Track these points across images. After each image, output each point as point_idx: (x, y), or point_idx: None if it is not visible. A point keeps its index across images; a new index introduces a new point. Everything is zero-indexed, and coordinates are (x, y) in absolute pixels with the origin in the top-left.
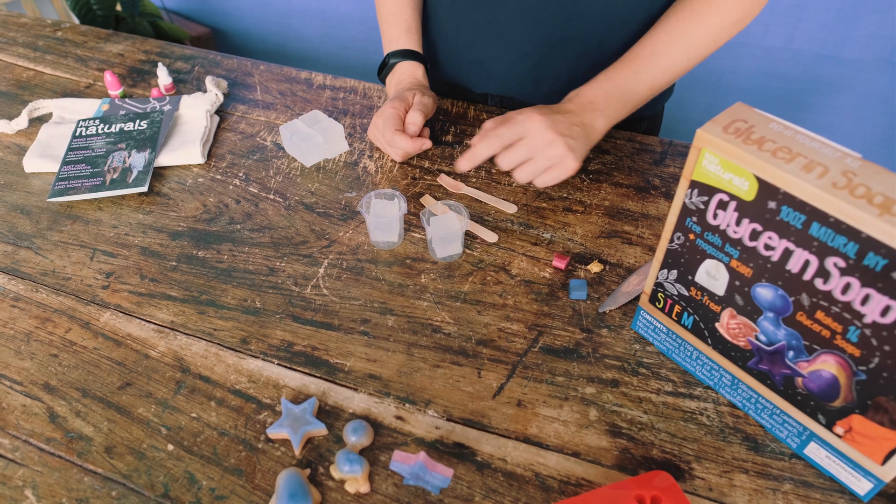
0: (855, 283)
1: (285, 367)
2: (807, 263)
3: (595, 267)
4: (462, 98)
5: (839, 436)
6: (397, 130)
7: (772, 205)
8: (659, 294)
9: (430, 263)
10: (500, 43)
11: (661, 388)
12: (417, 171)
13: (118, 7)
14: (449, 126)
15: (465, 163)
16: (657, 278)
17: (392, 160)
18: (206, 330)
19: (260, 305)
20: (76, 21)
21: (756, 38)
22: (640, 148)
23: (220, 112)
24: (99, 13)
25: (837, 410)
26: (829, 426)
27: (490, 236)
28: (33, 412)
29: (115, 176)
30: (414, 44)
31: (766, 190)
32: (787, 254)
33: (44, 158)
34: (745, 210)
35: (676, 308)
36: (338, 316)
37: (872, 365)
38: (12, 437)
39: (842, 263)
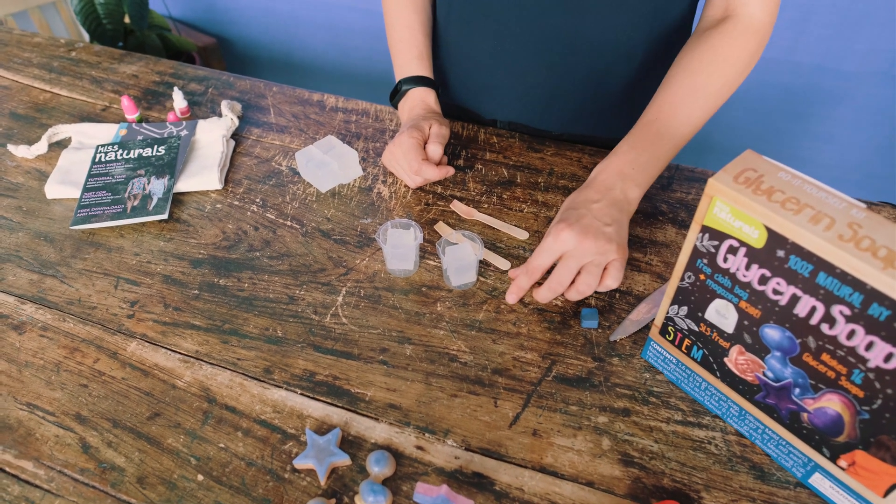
0: (860, 330)
1: (308, 396)
2: (813, 309)
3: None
4: (472, 122)
5: (843, 468)
6: (424, 160)
7: (780, 253)
8: (669, 327)
9: (446, 291)
10: (507, 71)
11: (670, 416)
12: (430, 196)
13: (126, 20)
14: (460, 150)
15: (512, 296)
16: (668, 313)
17: (406, 186)
18: (231, 359)
19: (281, 334)
20: (85, 35)
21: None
22: None
23: (236, 136)
24: (108, 27)
25: (841, 445)
26: (833, 459)
27: (503, 263)
28: (66, 443)
29: (135, 203)
30: (425, 70)
31: (775, 239)
32: (794, 299)
33: (65, 185)
34: (755, 256)
35: (686, 342)
36: (357, 345)
37: (875, 406)
38: (47, 468)
39: (847, 311)
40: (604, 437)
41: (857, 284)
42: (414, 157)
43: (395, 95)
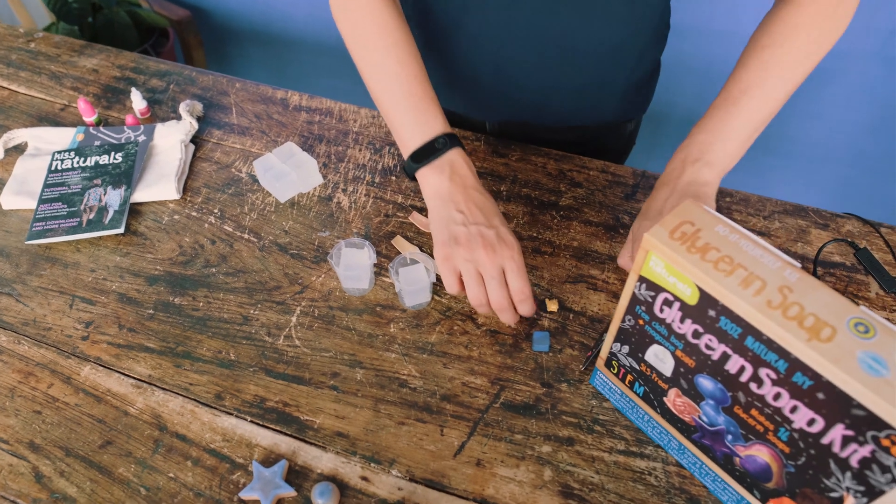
0: (785, 393)
1: (258, 424)
2: (743, 368)
3: (553, 305)
4: (456, 125)
5: None
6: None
7: (712, 313)
8: (613, 362)
9: (400, 311)
10: (507, 74)
11: (613, 446)
12: (391, 206)
13: None
14: None
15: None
16: (611, 349)
17: (366, 195)
18: (183, 384)
19: (234, 357)
20: (48, 15)
21: (748, 27)
22: (613, 180)
23: (196, 138)
24: (74, 5)
25: (771, 491)
26: (763, 501)
27: None
28: (20, 472)
29: (91, 216)
30: (442, 116)
31: (707, 299)
32: (725, 356)
33: (21, 196)
34: (688, 312)
35: (629, 377)
36: (308, 369)
37: (800, 462)
38: (2, 499)
39: (773, 375)
40: (546, 468)
41: (783, 352)
42: (504, 297)
43: (420, 158)
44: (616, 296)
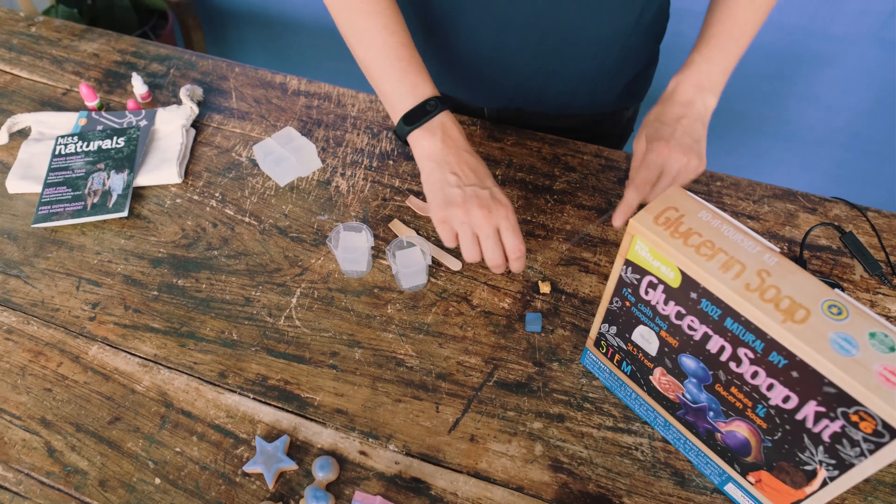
0: (762, 372)
1: (260, 401)
2: (723, 348)
3: (545, 287)
4: (454, 110)
5: (752, 483)
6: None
7: (693, 295)
8: (602, 342)
9: (397, 293)
10: (507, 59)
11: (602, 423)
12: (388, 190)
13: None
14: None
15: (620, 219)
16: (600, 329)
17: (364, 179)
18: (187, 363)
19: (237, 338)
20: None
21: None
22: (606, 164)
23: (196, 123)
24: None
25: (750, 464)
26: (743, 474)
27: (454, 264)
28: (33, 446)
29: (95, 200)
30: (431, 81)
31: (689, 282)
32: (706, 337)
33: (26, 180)
34: (671, 294)
35: (617, 356)
36: (309, 349)
37: (776, 437)
38: (15, 472)
39: (751, 355)
40: (537, 443)
41: (759, 333)
42: (498, 254)
43: (411, 121)
44: (607, 278)
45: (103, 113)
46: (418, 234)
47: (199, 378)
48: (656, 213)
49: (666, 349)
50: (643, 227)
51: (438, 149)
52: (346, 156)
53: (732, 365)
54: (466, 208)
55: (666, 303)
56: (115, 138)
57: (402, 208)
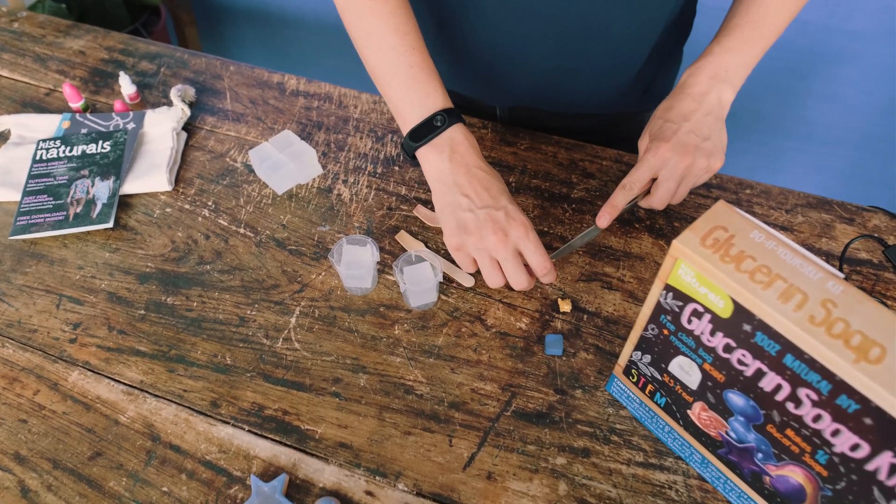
0: (826, 416)
1: (256, 434)
2: (779, 387)
3: (566, 306)
4: (464, 110)
5: None
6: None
7: (747, 327)
8: (633, 370)
9: (405, 312)
10: (526, 56)
11: (631, 458)
12: (394, 198)
13: None
14: None
15: (604, 219)
16: (631, 357)
17: (368, 187)
18: (176, 391)
19: (230, 362)
20: None
21: None
22: (627, 170)
23: (188, 125)
24: None
25: None
26: None
27: (467, 280)
28: (5, 486)
29: (78, 210)
30: (444, 92)
31: (742, 313)
32: (759, 374)
33: (4, 187)
34: (720, 325)
35: (650, 387)
36: (309, 374)
37: (839, 487)
38: None
39: (814, 396)
40: (561, 481)
41: (826, 373)
42: (519, 271)
43: (419, 136)
44: (632, 295)
45: (88, 115)
46: (427, 246)
47: (188, 408)
48: (703, 234)
49: (709, 383)
50: (689, 250)
51: (447, 168)
52: (348, 161)
53: (790, 406)
54: (480, 234)
55: (712, 334)
56: (100, 142)
57: (410, 218)
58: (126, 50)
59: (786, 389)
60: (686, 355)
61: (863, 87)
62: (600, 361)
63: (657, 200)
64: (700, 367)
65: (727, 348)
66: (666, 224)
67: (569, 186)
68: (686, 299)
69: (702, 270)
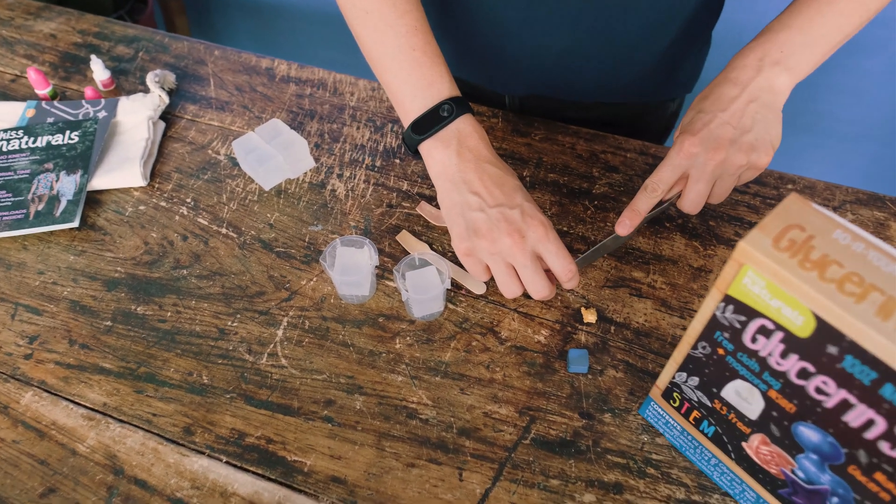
0: None
1: (235, 466)
2: (871, 423)
3: (590, 316)
4: (470, 99)
5: None
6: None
7: (832, 350)
8: (675, 394)
9: (407, 323)
10: (538, 39)
11: (671, 494)
12: (395, 195)
13: None
14: None
15: (624, 227)
16: (674, 378)
17: (366, 182)
18: (144, 416)
19: (207, 381)
20: None
21: None
22: (654, 163)
23: (167, 115)
24: None
25: None
26: None
27: (478, 287)
28: None
29: (40, 207)
30: (452, 80)
31: (827, 332)
32: (845, 405)
33: None
34: (796, 345)
35: (695, 413)
36: (298, 396)
37: None
38: None
39: None
40: None
41: None
42: (539, 275)
43: (423, 128)
44: (665, 304)
45: (56, 103)
46: (432, 248)
47: (158, 435)
48: (775, 234)
49: (774, 413)
50: (760, 254)
51: (454, 164)
52: (343, 153)
53: (884, 446)
54: (493, 237)
55: (784, 356)
56: (67, 132)
57: (413, 217)
58: (101, 33)
59: (880, 426)
60: (746, 379)
61: (887, 80)
62: (631, 380)
63: (688, 204)
64: (764, 394)
65: (803, 374)
66: (700, 223)
67: (590, 181)
68: (751, 313)
69: (776, 279)
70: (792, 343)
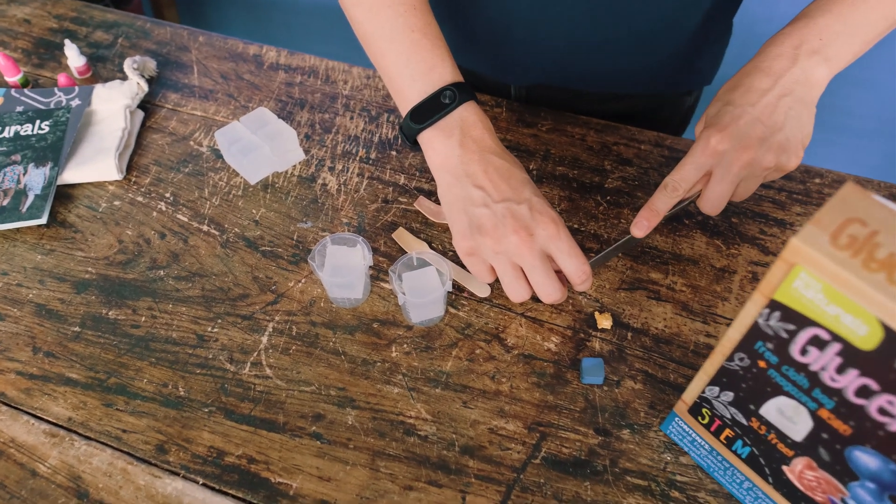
0: None
1: (213, 489)
2: None
3: (605, 321)
4: (479, 91)
5: None
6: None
7: None
8: (704, 409)
9: (404, 329)
10: (551, 25)
11: None
12: (390, 189)
13: None
14: None
15: (640, 228)
16: (703, 392)
17: (359, 175)
18: (113, 432)
19: (184, 393)
20: None
21: None
22: (671, 156)
23: (146, 104)
24: None
25: None
26: None
27: (481, 290)
28: None
29: (5, 202)
30: (454, 65)
31: None
32: None
33: None
34: (856, 359)
35: (728, 432)
36: (283, 410)
37: None
38: None
39: None
40: None
41: None
42: (549, 275)
43: (420, 118)
44: (686, 308)
45: (26, 91)
46: (431, 247)
47: (127, 454)
48: (833, 230)
49: (825, 435)
50: (816, 253)
51: (456, 155)
52: (335, 145)
53: None
54: (498, 235)
55: (841, 371)
56: (37, 122)
57: (410, 213)
58: (79, 18)
59: None
60: (792, 396)
61: None
62: (651, 392)
63: (708, 205)
64: (813, 413)
65: (863, 391)
66: (721, 220)
67: (601, 175)
68: (802, 322)
69: (835, 282)
70: (851, 356)
